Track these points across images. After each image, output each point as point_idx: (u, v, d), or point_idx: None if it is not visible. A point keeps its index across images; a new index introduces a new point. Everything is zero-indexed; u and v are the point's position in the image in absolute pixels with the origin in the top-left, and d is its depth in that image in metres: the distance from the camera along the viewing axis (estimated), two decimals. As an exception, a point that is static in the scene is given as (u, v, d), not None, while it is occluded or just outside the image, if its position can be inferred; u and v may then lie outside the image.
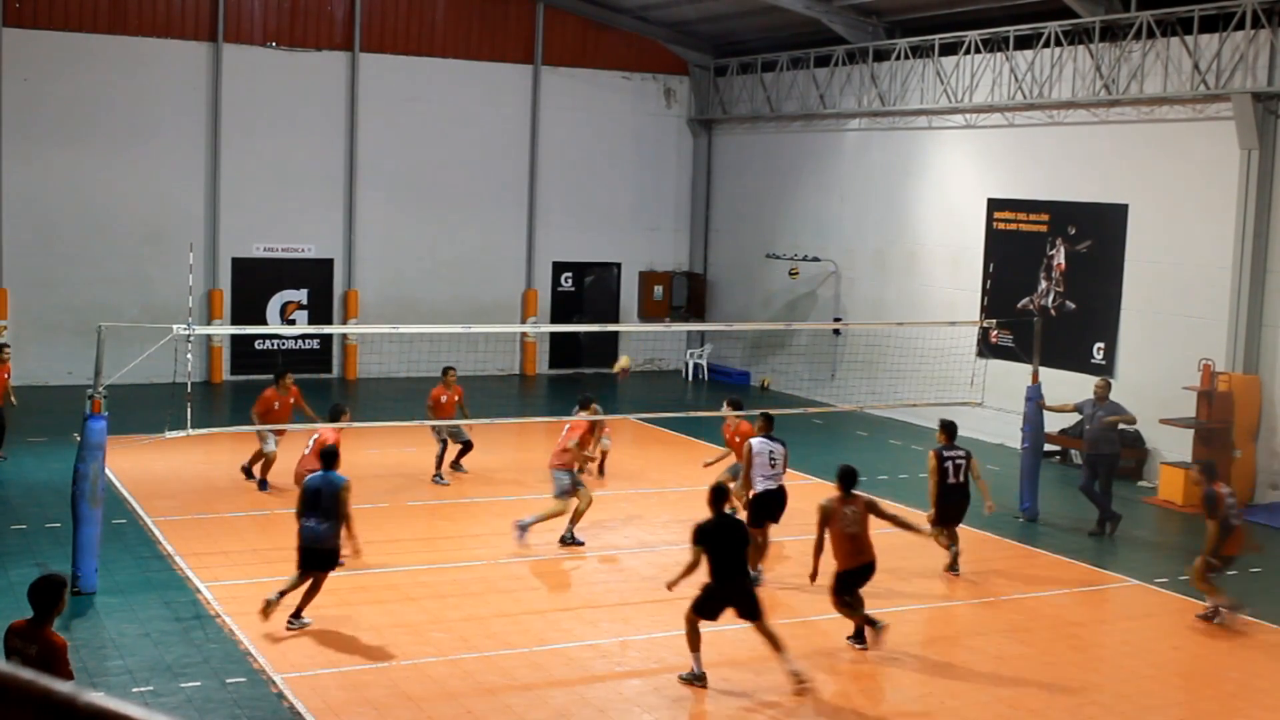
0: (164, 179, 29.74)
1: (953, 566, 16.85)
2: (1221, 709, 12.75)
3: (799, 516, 16.57)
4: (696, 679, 12.55)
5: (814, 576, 13.73)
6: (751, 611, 12.57)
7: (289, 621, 13.87)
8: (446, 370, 21.29)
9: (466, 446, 21.43)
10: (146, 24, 29.42)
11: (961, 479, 16.78)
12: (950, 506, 16.79)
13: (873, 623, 13.76)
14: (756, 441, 16.18)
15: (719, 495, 12.85)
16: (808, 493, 21.18)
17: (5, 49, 28.12)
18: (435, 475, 20.91)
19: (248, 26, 30.30)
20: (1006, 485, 21.15)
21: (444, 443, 21.04)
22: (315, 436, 17.35)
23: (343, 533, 13.94)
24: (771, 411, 18.14)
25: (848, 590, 13.81)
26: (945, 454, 16.85)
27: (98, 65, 28.95)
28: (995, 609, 15.68)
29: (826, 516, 13.70)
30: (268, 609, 13.69)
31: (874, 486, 21.31)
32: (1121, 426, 20.28)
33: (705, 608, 12.57)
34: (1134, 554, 18.40)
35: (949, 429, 17.17)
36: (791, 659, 12.50)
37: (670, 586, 12.79)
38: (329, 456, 14.29)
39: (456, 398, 21.21)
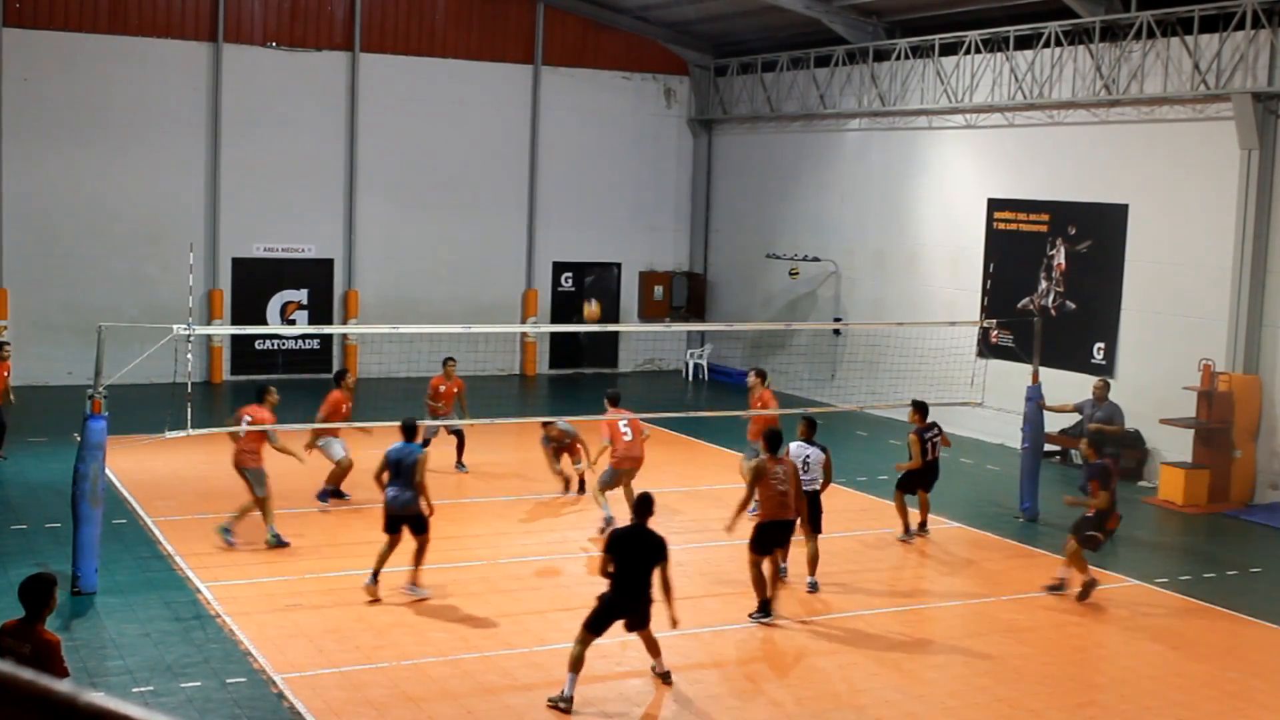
0: (164, 179, 29.75)
1: (922, 528, 18.44)
2: (1221, 709, 12.75)
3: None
4: (564, 702, 11.80)
5: (730, 528, 14.98)
6: (639, 624, 12.24)
7: (411, 588, 14.98)
8: (447, 361, 21.66)
9: (460, 439, 21.75)
10: (146, 24, 29.43)
11: (936, 454, 18.28)
12: (926, 477, 18.30)
13: (766, 611, 14.52)
14: (793, 445, 16.15)
15: (643, 504, 12.45)
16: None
17: (5, 49, 28.14)
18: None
19: (248, 26, 30.31)
20: (1007, 485, 21.16)
21: (426, 441, 21.14)
22: (248, 417, 17.31)
23: (420, 500, 14.99)
24: (772, 412, 18.15)
25: (764, 547, 14.61)
26: (925, 435, 18.20)
27: (98, 65, 28.96)
28: (995, 609, 15.68)
29: (759, 474, 14.75)
30: (373, 588, 14.82)
31: (874, 486, 21.34)
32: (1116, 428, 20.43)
33: (597, 622, 12.00)
34: (1134, 554, 18.40)
35: (921, 408, 18.38)
36: (663, 662, 12.50)
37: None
38: (410, 430, 15.28)
39: (456, 389, 21.47)
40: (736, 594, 15.92)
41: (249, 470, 17.10)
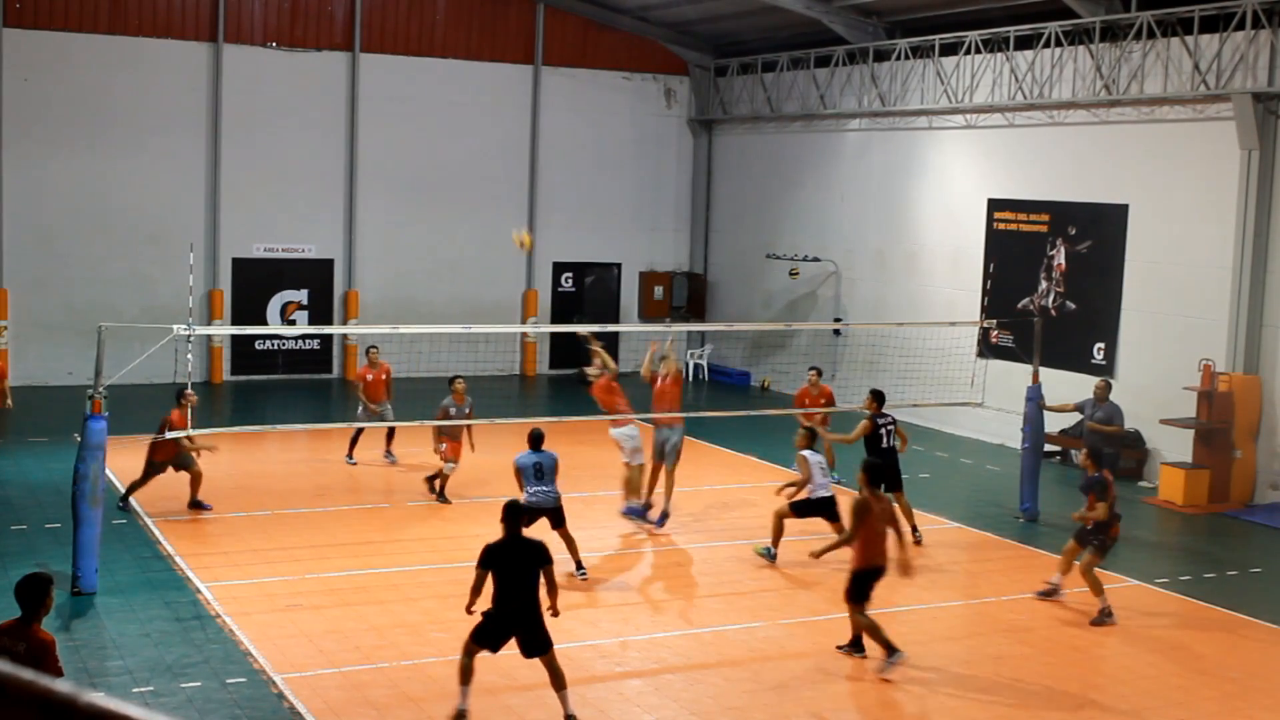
0: (164, 179, 29.75)
1: (914, 532, 17.96)
2: (1221, 709, 12.76)
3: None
4: (460, 717, 11.45)
5: (819, 555, 14.64)
6: (535, 646, 11.46)
7: (578, 573, 15.92)
8: (369, 349, 22.36)
9: (389, 429, 22.32)
10: (147, 24, 29.43)
11: (892, 443, 18.19)
12: (887, 474, 17.43)
13: (894, 650, 13.42)
14: (810, 456, 17.00)
15: (512, 512, 11.63)
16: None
17: (5, 49, 28.14)
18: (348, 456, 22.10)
19: (248, 27, 30.31)
20: (1007, 486, 21.16)
21: (359, 432, 22.12)
22: (164, 418, 18.00)
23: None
24: (772, 412, 18.17)
25: (864, 594, 13.49)
26: (879, 420, 18.28)
27: (98, 65, 28.96)
28: (995, 609, 15.69)
29: (862, 514, 13.33)
30: (580, 574, 15.89)
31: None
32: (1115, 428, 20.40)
33: (485, 636, 11.45)
34: (1134, 554, 18.40)
35: (879, 396, 18.63)
36: (570, 702, 11.50)
37: (468, 610, 11.57)
38: (538, 439, 16.14)
39: (384, 376, 21.95)
40: (736, 594, 15.95)
41: (179, 457, 18.41)
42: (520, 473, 15.85)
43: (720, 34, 33.60)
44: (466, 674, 11.44)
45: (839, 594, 15.90)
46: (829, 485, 17.01)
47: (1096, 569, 15.27)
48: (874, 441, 18.06)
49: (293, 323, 30.87)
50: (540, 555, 11.44)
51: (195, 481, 18.61)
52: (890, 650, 13.08)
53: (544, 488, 15.80)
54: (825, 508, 16.82)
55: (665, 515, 18.50)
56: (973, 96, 26.45)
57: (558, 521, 15.84)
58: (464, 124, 32.35)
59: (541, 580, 11.42)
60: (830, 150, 30.73)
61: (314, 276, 31.35)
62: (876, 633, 13.18)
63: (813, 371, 21.41)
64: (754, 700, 12.43)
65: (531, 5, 32.90)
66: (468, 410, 20.02)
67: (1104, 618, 15.05)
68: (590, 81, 33.66)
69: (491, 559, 11.35)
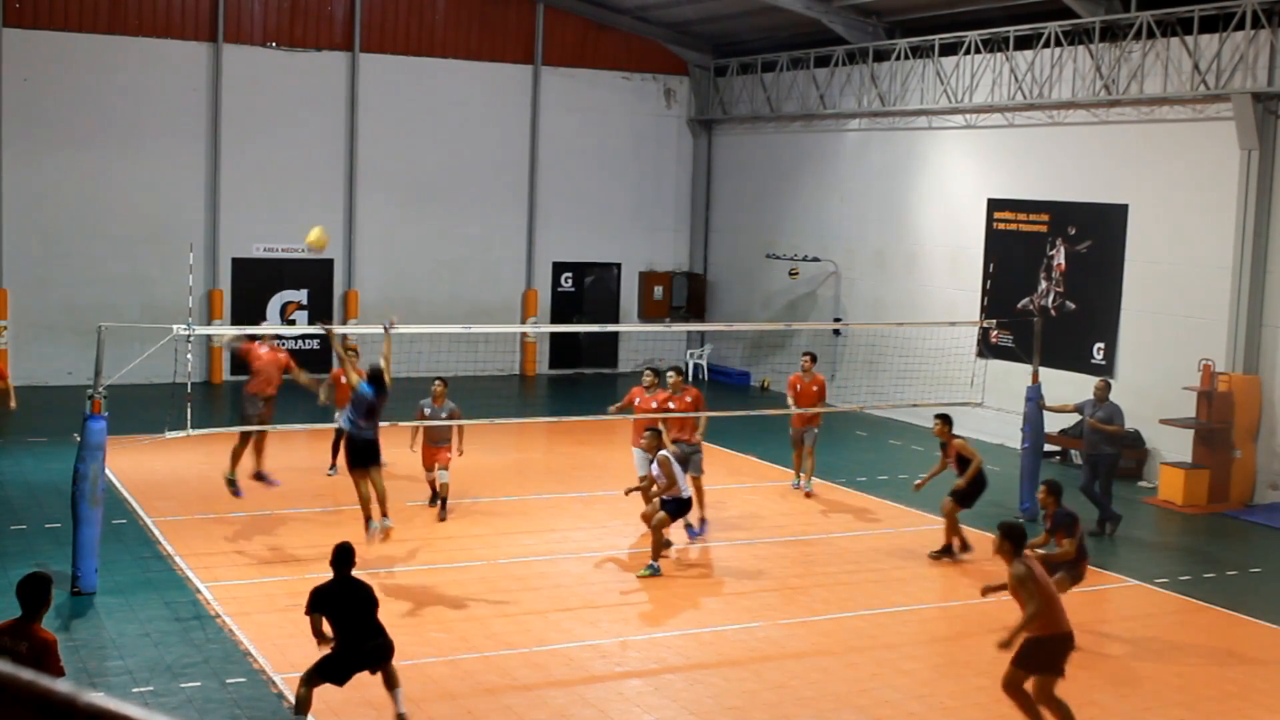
0: (164, 179, 29.77)
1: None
2: (1220, 709, 12.75)
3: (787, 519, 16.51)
4: None
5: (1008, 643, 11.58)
6: (381, 663, 11.30)
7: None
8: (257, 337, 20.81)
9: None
10: (147, 24, 29.44)
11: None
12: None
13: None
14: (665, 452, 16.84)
15: (341, 555, 11.19)
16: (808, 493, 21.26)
17: (5, 49, 28.15)
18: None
19: (248, 27, 30.32)
20: (1006, 485, 21.16)
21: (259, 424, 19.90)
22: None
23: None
24: (771, 412, 18.16)
25: (1056, 666, 11.53)
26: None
27: (98, 65, 28.97)
28: (995, 608, 15.66)
29: (1025, 582, 11.44)
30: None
31: (874, 487, 21.36)
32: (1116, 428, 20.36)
33: (331, 672, 11.17)
34: (1134, 554, 18.41)
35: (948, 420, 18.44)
36: (402, 701, 11.37)
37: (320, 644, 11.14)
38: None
39: (281, 355, 19.84)
40: (736, 594, 15.95)
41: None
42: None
43: (720, 34, 33.60)
44: (304, 705, 11.08)
45: (837, 594, 15.91)
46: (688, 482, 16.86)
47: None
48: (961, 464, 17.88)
49: (293, 322, 30.87)
50: (372, 598, 11.12)
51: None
52: None
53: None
54: (688, 508, 16.76)
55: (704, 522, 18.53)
56: (972, 96, 26.45)
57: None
58: (464, 124, 32.35)
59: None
60: (830, 150, 30.73)
61: (314, 276, 31.36)
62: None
63: (806, 357, 21.33)
64: (754, 700, 12.42)
65: (531, 5, 32.90)
66: (445, 415, 18.78)
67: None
68: (590, 81, 33.66)
69: (320, 603, 11.02)
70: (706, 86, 34.40)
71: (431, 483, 19.18)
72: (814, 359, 21.39)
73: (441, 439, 18.82)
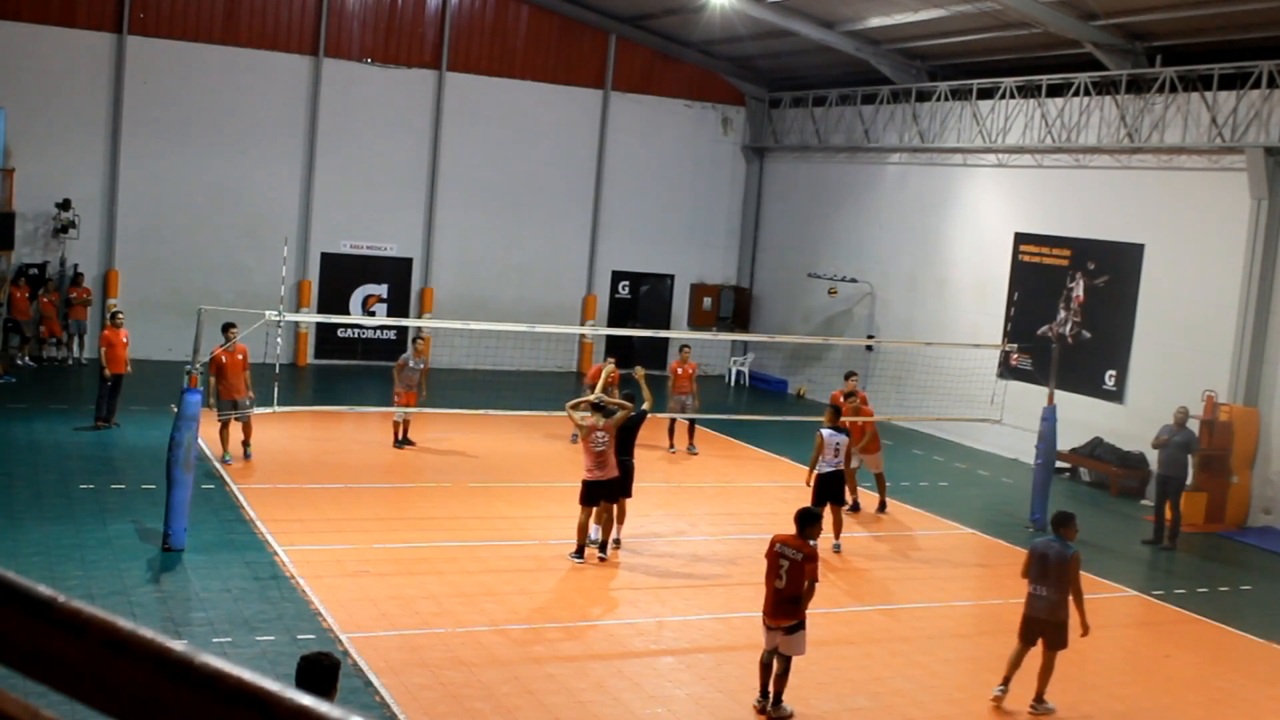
0: (264, 178, 30.03)
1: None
2: (1208, 714, 12.65)
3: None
4: None
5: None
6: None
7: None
8: (228, 327, 19.74)
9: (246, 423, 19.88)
10: (255, 37, 29.71)
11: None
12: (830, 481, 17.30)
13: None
14: (825, 432, 17.28)
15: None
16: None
17: (128, 55, 28.49)
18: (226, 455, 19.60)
19: (347, 43, 30.53)
20: (1019, 497, 21.03)
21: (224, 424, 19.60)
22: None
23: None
24: (806, 419, 18.13)
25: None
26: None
27: (210, 72, 29.26)
28: (996, 612, 15.58)
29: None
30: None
31: (896, 492, 21.26)
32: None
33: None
34: (1132, 567, 18.27)
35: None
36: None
37: None
38: (1064, 521, 12.41)
39: (240, 358, 19.47)
40: (745, 584, 15.91)
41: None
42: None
43: (776, 69, 33.54)
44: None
45: (860, 589, 15.87)
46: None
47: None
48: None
49: (372, 314, 31.08)
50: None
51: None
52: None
53: (1040, 590, 12.27)
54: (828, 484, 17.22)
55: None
56: (1005, 138, 26.30)
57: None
58: (537, 140, 32.45)
59: None
60: (871, 180, 30.62)
61: (394, 273, 31.54)
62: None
63: (850, 378, 21.03)
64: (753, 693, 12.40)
65: (604, 35, 32.95)
66: (423, 366, 21.18)
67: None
68: (654, 107, 33.68)
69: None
70: (761, 117, 34.35)
71: (398, 424, 21.31)
72: (854, 380, 20.90)
73: (411, 383, 21.08)
